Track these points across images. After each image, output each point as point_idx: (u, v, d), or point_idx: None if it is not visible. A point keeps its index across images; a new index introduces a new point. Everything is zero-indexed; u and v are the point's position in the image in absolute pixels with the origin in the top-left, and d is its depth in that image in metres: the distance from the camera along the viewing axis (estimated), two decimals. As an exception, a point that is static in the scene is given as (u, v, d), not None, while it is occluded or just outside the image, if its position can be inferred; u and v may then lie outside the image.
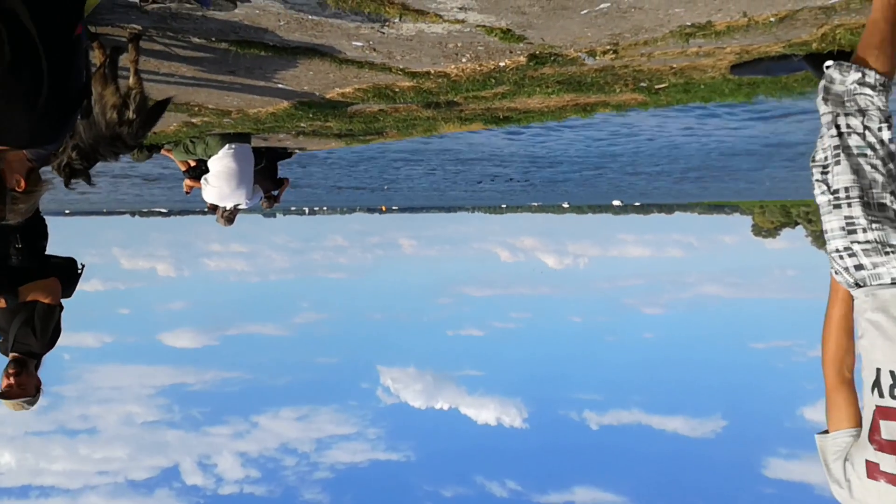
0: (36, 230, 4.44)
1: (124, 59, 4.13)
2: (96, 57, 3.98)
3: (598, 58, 4.67)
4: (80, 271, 4.58)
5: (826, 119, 2.59)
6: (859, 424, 2.44)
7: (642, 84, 5.71)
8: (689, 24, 4.06)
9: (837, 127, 2.56)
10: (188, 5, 3.51)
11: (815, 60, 2.79)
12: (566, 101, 6.64)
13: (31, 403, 4.10)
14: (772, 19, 3.86)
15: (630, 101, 6.52)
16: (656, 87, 5.80)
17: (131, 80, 4.17)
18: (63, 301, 4.40)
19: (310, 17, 3.90)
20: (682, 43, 4.34)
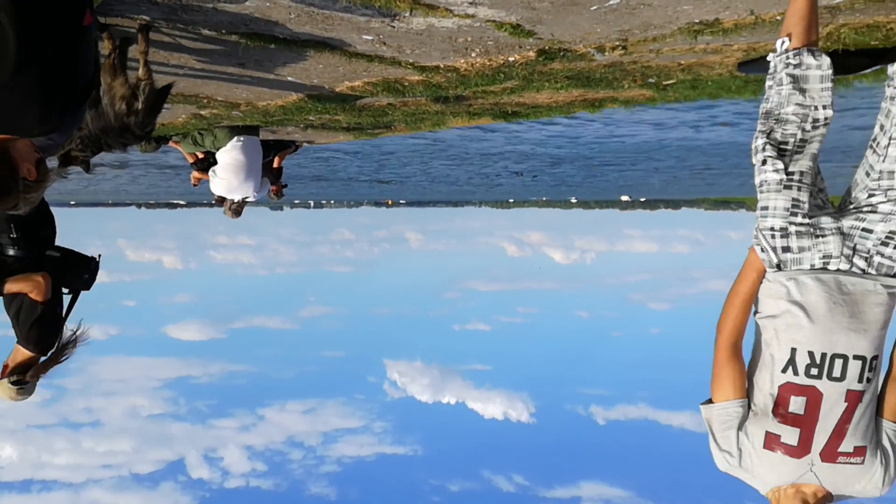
0: (37, 220, 4.40)
1: (134, 50, 4.15)
2: (105, 47, 4.00)
3: (607, 53, 4.68)
4: (92, 261, 4.54)
5: (799, 110, 2.60)
6: (745, 395, 2.57)
7: (651, 80, 5.72)
8: (697, 21, 4.07)
9: (815, 121, 2.59)
10: (199, -2, 3.53)
11: (829, 65, 2.83)
12: (575, 97, 6.65)
13: (26, 392, 4.08)
14: (778, 17, 3.86)
15: (638, 96, 6.53)
16: (664, 83, 5.80)
17: (141, 72, 4.17)
18: (84, 293, 4.39)
19: (320, 10, 3.91)
20: (690, 40, 4.35)
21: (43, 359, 4.17)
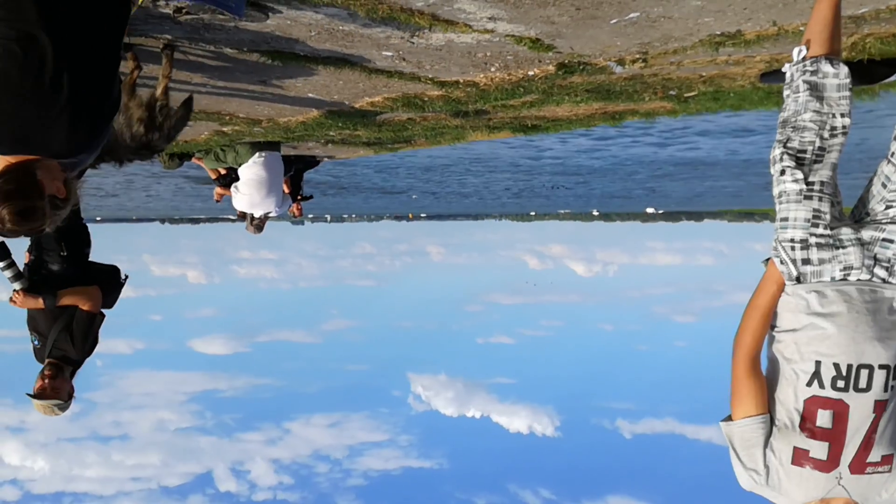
0: (80, 237, 4.49)
1: (156, 70, 4.19)
2: (128, 66, 4.04)
3: (627, 66, 4.67)
4: (123, 281, 4.63)
5: (816, 118, 2.58)
6: (767, 411, 2.52)
7: (671, 92, 5.70)
8: (718, 32, 4.05)
9: (832, 129, 2.56)
10: (221, 16, 3.56)
11: (847, 73, 2.81)
12: (595, 110, 6.64)
13: (63, 408, 4.15)
14: (801, 28, 3.84)
15: (659, 108, 6.51)
16: (686, 95, 5.78)
17: (158, 92, 4.20)
18: (104, 310, 4.46)
19: (341, 27, 3.94)
20: (711, 51, 4.33)
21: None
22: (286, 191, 8.51)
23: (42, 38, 2.29)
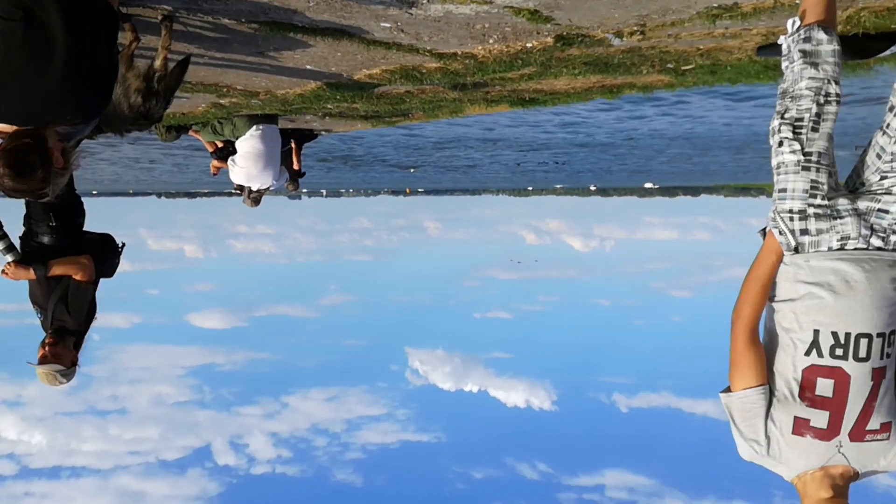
0: (72, 208, 4.51)
1: (155, 41, 4.18)
2: (127, 38, 4.03)
3: (625, 39, 4.67)
4: (119, 248, 4.65)
5: (812, 84, 2.59)
6: (766, 381, 2.54)
7: (669, 65, 5.70)
8: (716, 5, 4.05)
9: (827, 95, 2.58)
10: (219, -13, 3.55)
11: (839, 42, 2.82)
12: (592, 83, 6.64)
13: (66, 376, 4.18)
14: (797, 1, 3.84)
15: (657, 82, 6.50)
16: (683, 68, 5.78)
17: (158, 63, 4.19)
18: (104, 278, 4.49)
19: (338, -2, 3.93)
20: (708, 24, 4.33)
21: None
22: (297, 166, 8.51)
23: (40, 11, 2.31)
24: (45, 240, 4.36)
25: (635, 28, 4.51)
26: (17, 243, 4.35)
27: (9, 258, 4.23)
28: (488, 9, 4.12)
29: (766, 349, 2.61)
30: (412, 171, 28.28)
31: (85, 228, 4.60)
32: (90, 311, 4.37)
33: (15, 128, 2.43)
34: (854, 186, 2.67)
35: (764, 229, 2.68)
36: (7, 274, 4.23)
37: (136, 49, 4.10)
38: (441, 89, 6.62)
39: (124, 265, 4.76)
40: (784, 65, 2.71)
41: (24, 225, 4.40)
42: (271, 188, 7.83)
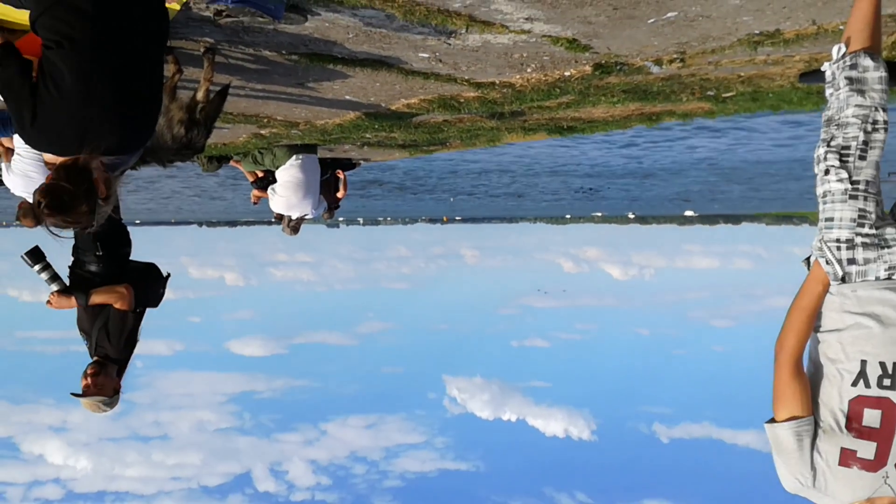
0: (117, 237, 4.57)
1: (199, 74, 4.25)
2: (170, 70, 4.11)
3: (664, 66, 4.64)
4: (165, 277, 4.69)
5: (859, 112, 2.55)
6: (812, 412, 2.49)
7: (709, 93, 5.65)
8: (757, 32, 4.01)
9: (874, 123, 2.53)
10: (260, 19, 3.60)
11: (886, 68, 2.77)
12: (631, 111, 6.61)
13: (110, 405, 4.22)
14: (841, 27, 3.79)
15: (697, 109, 6.45)
16: (724, 95, 5.73)
17: (200, 94, 4.26)
18: (151, 308, 4.53)
19: (378, 29, 3.97)
20: (750, 51, 4.29)
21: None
22: (341, 195, 8.53)
23: (83, 42, 2.36)
24: (93, 268, 4.42)
25: (675, 56, 4.48)
26: (65, 272, 4.42)
27: (53, 287, 4.30)
28: (526, 38, 4.12)
29: (810, 380, 2.55)
30: (451, 199, 28.36)
31: (131, 258, 4.66)
32: (130, 339, 4.40)
33: (61, 159, 2.47)
34: None
35: (808, 258, 2.63)
36: (51, 304, 4.29)
37: (178, 81, 4.17)
38: (479, 118, 6.64)
39: (167, 293, 4.80)
40: (828, 92, 2.66)
41: (72, 255, 4.47)
42: (310, 217, 7.89)
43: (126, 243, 4.63)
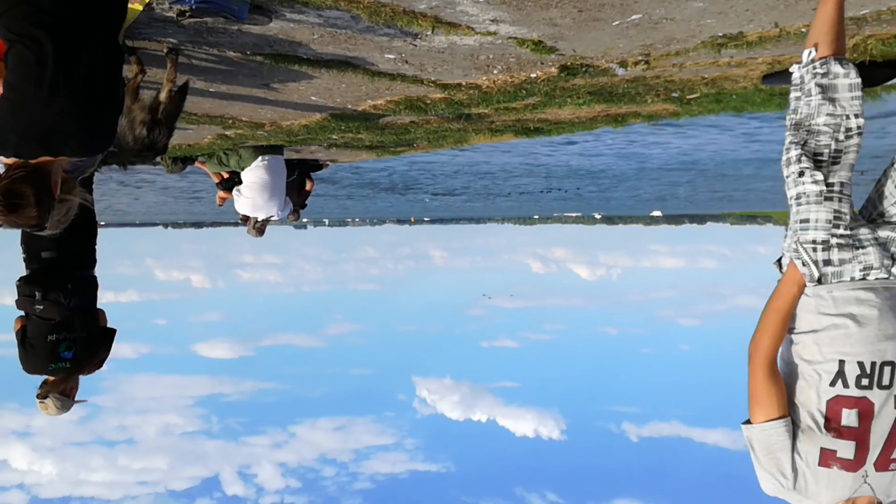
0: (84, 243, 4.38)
1: (162, 75, 4.20)
2: (132, 70, 4.05)
3: (629, 68, 4.67)
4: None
5: (830, 121, 2.57)
6: (788, 414, 2.49)
7: (674, 94, 5.70)
8: (720, 34, 4.05)
9: (847, 130, 2.56)
10: (224, 20, 3.56)
11: (857, 73, 2.80)
12: (597, 112, 6.64)
13: (64, 406, 4.12)
14: (803, 30, 3.84)
15: (662, 111, 6.51)
16: (688, 97, 5.78)
17: (163, 95, 4.19)
18: (112, 310, 4.45)
19: (343, 30, 3.94)
20: (713, 53, 4.33)
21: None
22: (309, 188, 8.50)
23: (46, 42, 2.32)
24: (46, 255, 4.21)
25: (640, 58, 4.51)
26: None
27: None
28: (492, 40, 4.12)
29: (784, 381, 2.56)
30: (426, 200, 28.34)
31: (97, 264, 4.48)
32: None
33: (16, 160, 2.42)
34: (871, 217, 2.64)
35: (780, 260, 2.64)
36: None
37: (141, 81, 4.11)
38: (446, 119, 6.63)
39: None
40: (795, 94, 2.68)
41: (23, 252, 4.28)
42: (276, 218, 7.83)
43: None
